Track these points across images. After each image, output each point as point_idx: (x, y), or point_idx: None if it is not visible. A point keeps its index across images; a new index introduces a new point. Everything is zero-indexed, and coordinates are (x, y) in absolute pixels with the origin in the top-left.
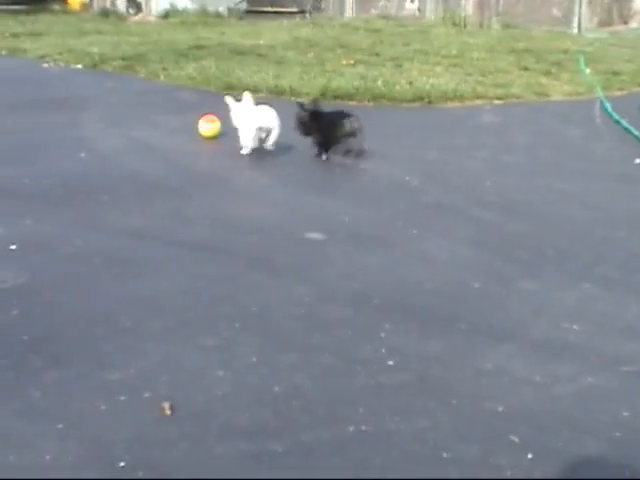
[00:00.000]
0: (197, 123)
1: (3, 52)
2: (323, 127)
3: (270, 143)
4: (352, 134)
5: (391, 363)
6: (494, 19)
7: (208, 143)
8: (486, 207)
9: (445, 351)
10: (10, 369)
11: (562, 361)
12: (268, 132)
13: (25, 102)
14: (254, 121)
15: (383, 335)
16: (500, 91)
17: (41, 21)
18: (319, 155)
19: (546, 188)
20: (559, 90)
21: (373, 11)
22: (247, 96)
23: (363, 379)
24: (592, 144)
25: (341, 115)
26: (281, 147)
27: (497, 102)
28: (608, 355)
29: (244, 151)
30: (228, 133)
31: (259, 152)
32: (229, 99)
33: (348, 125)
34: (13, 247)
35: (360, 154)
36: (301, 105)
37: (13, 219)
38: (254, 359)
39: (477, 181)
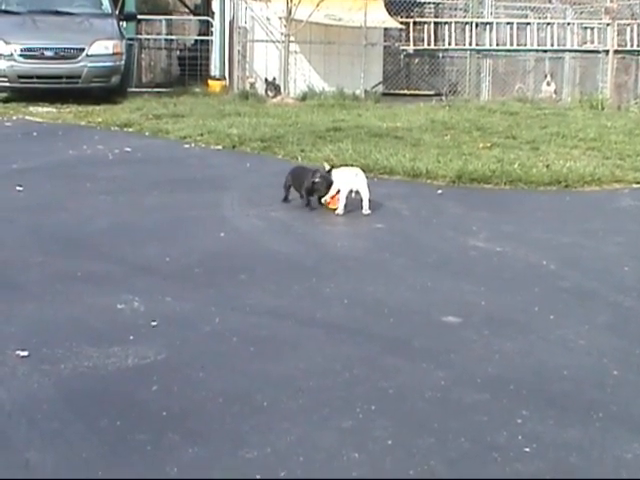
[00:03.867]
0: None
1: (147, 133)
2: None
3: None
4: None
5: (528, 450)
6: (632, 102)
7: (344, 223)
8: (625, 293)
9: (583, 439)
10: (149, 444)
11: None
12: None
13: (167, 181)
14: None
15: (520, 421)
16: (639, 175)
17: (183, 103)
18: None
19: None
20: None
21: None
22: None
23: (499, 465)
24: None
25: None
26: (416, 230)
27: (636, 186)
28: None
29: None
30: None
31: (396, 234)
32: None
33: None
34: (154, 323)
35: None
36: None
37: (154, 296)
38: (390, 442)
39: (615, 266)
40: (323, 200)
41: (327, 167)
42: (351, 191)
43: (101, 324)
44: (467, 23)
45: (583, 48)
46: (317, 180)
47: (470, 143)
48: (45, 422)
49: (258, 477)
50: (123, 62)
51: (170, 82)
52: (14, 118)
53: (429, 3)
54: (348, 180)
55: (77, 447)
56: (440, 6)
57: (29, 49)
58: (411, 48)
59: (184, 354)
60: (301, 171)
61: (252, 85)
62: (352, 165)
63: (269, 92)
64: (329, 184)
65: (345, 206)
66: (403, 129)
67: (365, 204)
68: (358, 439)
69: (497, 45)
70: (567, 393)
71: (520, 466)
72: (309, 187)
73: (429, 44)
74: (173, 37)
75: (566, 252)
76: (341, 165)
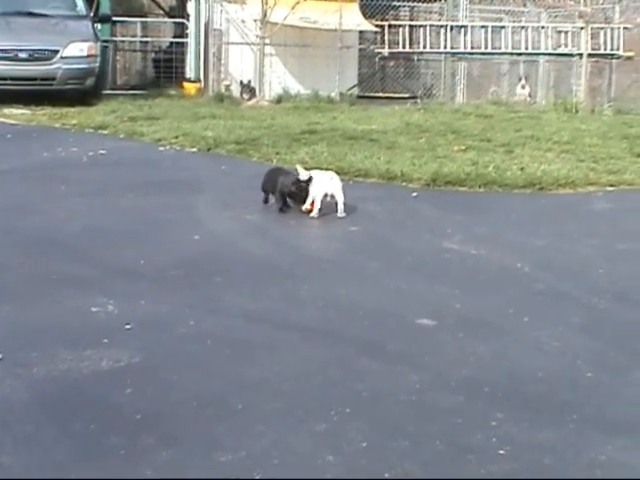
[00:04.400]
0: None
1: (121, 135)
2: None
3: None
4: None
5: (502, 452)
6: (606, 105)
7: (319, 226)
8: (599, 295)
9: (557, 441)
10: (123, 447)
11: None
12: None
13: (142, 184)
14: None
15: (494, 423)
16: (613, 178)
17: (158, 105)
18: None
19: None
20: None
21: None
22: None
23: (474, 467)
24: None
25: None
26: (391, 232)
27: (610, 189)
28: None
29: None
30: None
31: (371, 237)
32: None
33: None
34: (128, 326)
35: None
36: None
37: (129, 299)
38: (364, 444)
39: (590, 268)
40: (303, 208)
41: (303, 172)
42: (326, 195)
43: (75, 327)
44: (442, 26)
45: (557, 51)
46: (293, 190)
47: (445, 146)
48: (18, 425)
49: (232, 478)
50: (98, 64)
51: (145, 84)
52: None
53: (404, 6)
54: (323, 184)
55: (50, 451)
56: (415, 9)
57: (3, 51)
58: (386, 51)
59: (158, 357)
60: (277, 173)
61: (227, 87)
62: (327, 168)
63: (244, 95)
64: (306, 193)
65: (320, 209)
66: (378, 132)
67: (340, 207)
68: (333, 442)
69: (472, 48)
70: (541, 395)
71: (494, 468)
72: (283, 192)
73: (404, 47)
74: (148, 39)
75: (540, 254)
76: (316, 168)
